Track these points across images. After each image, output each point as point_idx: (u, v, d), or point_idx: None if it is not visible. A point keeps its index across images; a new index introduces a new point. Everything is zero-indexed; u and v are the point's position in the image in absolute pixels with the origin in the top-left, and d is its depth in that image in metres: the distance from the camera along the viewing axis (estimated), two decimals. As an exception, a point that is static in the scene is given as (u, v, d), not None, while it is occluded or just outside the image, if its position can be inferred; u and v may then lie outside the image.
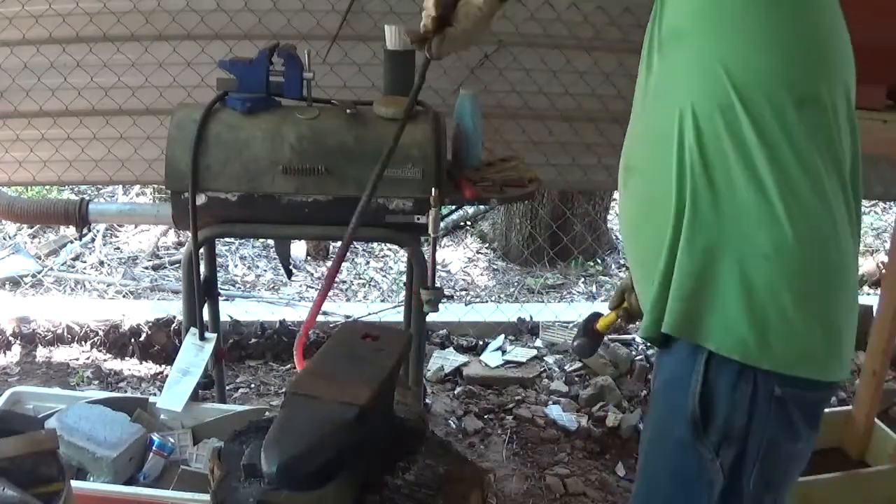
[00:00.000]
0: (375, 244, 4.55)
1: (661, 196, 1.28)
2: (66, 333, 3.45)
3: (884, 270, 3.19)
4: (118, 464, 2.17)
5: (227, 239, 4.29)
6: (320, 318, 3.61)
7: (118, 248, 4.60)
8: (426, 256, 2.30)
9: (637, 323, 1.53)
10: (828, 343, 1.25)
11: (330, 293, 4.38)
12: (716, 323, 1.24)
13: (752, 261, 1.21)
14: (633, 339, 3.57)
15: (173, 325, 3.38)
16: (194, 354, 2.39)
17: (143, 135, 3.03)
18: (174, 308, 3.51)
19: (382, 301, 4.14)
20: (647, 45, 1.35)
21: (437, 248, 2.36)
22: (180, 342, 2.46)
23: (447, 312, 3.56)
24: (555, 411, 3.13)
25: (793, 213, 1.20)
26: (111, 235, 4.71)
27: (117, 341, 3.42)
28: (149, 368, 3.33)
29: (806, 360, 1.23)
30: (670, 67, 1.28)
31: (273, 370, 3.38)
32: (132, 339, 3.40)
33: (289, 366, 3.42)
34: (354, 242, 4.65)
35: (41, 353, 3.39)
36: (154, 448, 2.24)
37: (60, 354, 3.38)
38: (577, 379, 3.35)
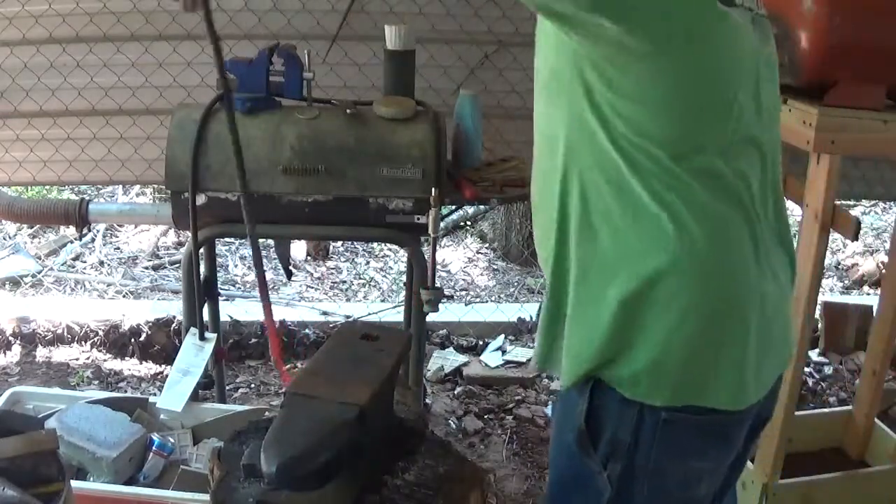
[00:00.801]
0: (375, 244, 4.55)
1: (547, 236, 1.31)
2: (66, 333, 3.45)
3: (884, 270, 3.19)
4: (118, 464, 2.17)
5: (227, 239, 4.29)
6: (320, 318, 3.62)
7: (118, 248, 4.60)
8: (426, 256, 2.30)
9: None
10: (718, 373, 1.22)
11: (330, 293, 4.38)
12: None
13: (632, 299, 1.20)
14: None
15: (173, 325, 3.38)
16: (194, 354, 2.39)
17: (143, 135, 3.03)
18: (174, 308, 3.51)
19: (382, 301, 4.14)
20: (536, 76, 1.33)
21: (437, 248, 2.36)
22: (180, 342, 2.46)
23: (447, 312, 3.56)
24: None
25: (670, 248, 1.19)
26: (111, 235, 4.71)
27: (117, 341, 3.42)
28: (149, 368, 3.33)
29: (691, 391, 1.22)
30: (553, 111, 1.27)
31: (273, 370, 3.38)
32: (132, 339, 3.40)
33: (289, 366, 3.41)
34: (354, 242, 4.66)
35: (41, 353, 3.39)
36: (154, 448, 2.24)
37: (60, 354, 3.38)
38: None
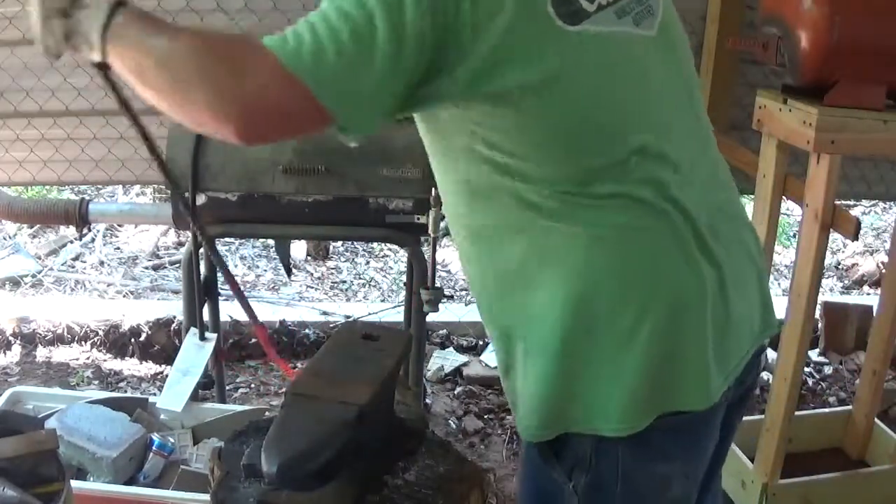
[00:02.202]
0: (375, 244, 4.55)
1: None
2: (66, 333, 3.45)
3: (884, 270, 3.19)
4: (118, 464, 2.17)
5: (227, 239, 4.29)
6: (321, 318, 3.62)
7: (118, 248, 4.60)
8: (426, 256, 2.30)
9: None
10: (676, 379, 1.18)
11: (330, 293, 4.37)
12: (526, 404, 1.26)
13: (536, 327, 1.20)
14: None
15: (173, 325, 3.38)
16: (194, 354, 2.39)
17: (144, 135, 3.02)
18: (174, 308, 3.51)
19: (382, 301, 4.14)
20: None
21: (437, 248, 2.36)
22: (180, 342, 2.46)
23: (447, 312, 3.56)
24: (555, 411, 3.12)
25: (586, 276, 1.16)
26: (111, 235, 4.71)
27: (117, 341, 3.42)
28: (149, 368, 3.33)
29: (630, 410, 1.18)
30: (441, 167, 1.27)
31: (273, 370, 3.38)
32: (132, 339, 3.40)
33: (289, 365, 3.41)
34: (354, 242, 4.66)
35: (41, 353, 3.39)
36: (154, 448, 2.24)
37: (60, 354, 3.38)
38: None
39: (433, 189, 2.18)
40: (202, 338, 2.41)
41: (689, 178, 1.19)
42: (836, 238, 4.20)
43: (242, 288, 4.16)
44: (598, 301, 1.16)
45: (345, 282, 4.38)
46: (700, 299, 1.18)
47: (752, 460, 2.38)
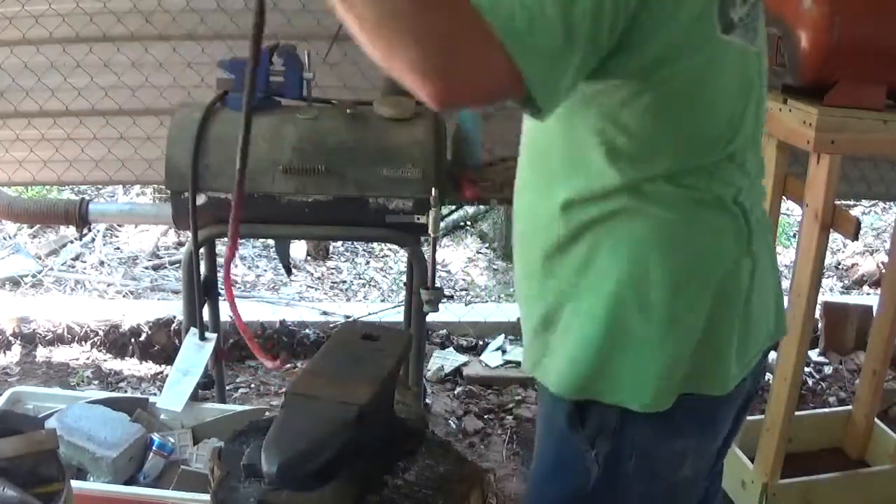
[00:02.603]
0: (375, 244, 4.55)
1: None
2: (66, 333, 3.45)
3: (884, 270, 3.19)
4: (118, 464, 2.17)
5: (227, 239, 4.28)
6: (320, 318, 3.62)
7: (118, 248, 4.60)
8: (426, 256, 2.30)
9: None
10: (705, 362, 1.25)
11: (330, 293, 4.37)
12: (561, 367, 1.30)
13: (621, 310, 1.24)
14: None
15: (173, 325, 3.38)
16: (194, 354, 2.39)
17: (143, 135, 3.03)
18: (174, 308, 3.51)
19: (382, 301, 4.14)
20: None
21: (437, 248, 2.36)
22: (180, 342, 2.46)
23: (447, 312, 3.56)
24: (555, 411, 3.12)
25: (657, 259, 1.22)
26: (111, 235, 4.71)
27: (117, 341, 3.42)
28: (149, 368, 3.33)
29: (661, 390, 1.24)
30: (542, 135, 1.30)
31: (273, 370, 3.38)
32: (132, 339, 3.40)
33: (289, 365, 3.41)
34: (354, 242, 4.66)
35: (41, 353, 3.39)
36: (154, 448, 2.24)
37: (60, 354, 3.38)
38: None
39: (433, 189, 2.18)
40: (202, 338, 2.41)
41: (754, 184, 1.31)
42: (836, 238, 4.20)
43: (243, 288, 4.18)
44: (656, 283, 1.22)
45: (345, 282, 4.39)
46: (740, 294, 1.26)
47: (752, 460, 2.38)
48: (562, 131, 1.24)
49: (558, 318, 1.29)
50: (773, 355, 2.44)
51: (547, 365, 1.32)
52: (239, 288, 4.20)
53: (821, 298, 3.18)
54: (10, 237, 4.57)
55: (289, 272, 2.88)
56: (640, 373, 1.24)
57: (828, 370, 3.46)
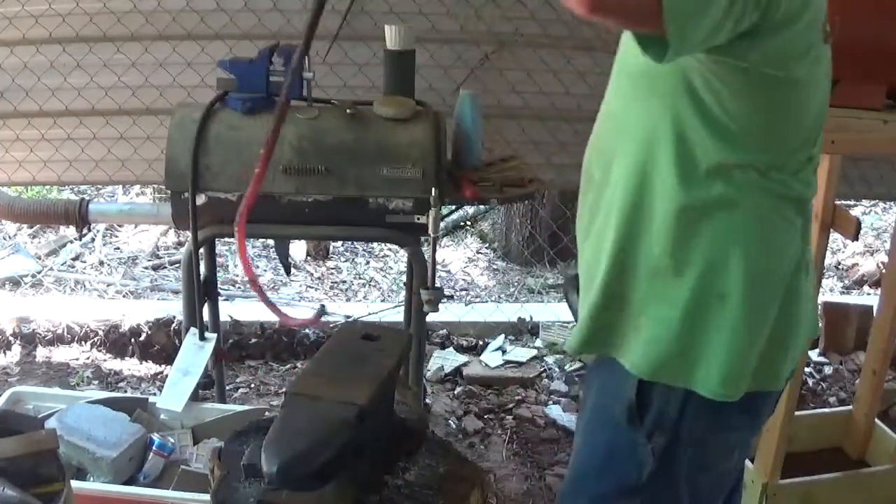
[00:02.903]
0: (375, 244, 4.55)
1: (609, 215, 1.35)
2: (66, 333, 3.44)
3: (884, 270, 3.19)
4: (118, 464, 2.17)
5: (227, 239, 4.28)
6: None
7: (118, 248, 4.60)
8: (426, 256, 2.30)
9: None
10: (769, 359, 1.32)
11: (330, 293, 4.37)
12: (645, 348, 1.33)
13: (703, 297, 1.29)
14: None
15: (173, 325, 3.38)
16: (194, 354, 2.39)
17: (143, 135, 3.03)
18: (174, 308, 3.51)
19: (382, 301, 4.14)
20: (618, 63, 1.37)
21: (437, 248, 2.36)
22: (180, 342, 2.46)
23: (447, 312, 3.56)
24: (555, 411, 3.13)
25: (742, 250, 1.27)
26: (111, 235, 4.71)
27: (117, 341, 3.42)
28: (149, 368, 3.33)
29: (731, 379, 1.29)
30: (637, 104, 1.31)
31: (273, 370, 3.38)
32: (132, 339, 3.40)
33: (289, 366, 3.41)
34: (354, 242, 4.66)
35: (41, 353, 3.39)
36: (154, 448, 2.24)
37: (60, 354, 3.38)
38: (577, 379, 3.35)
39: (433, 189, 2.18)
40: (202, 338, 2.41)
41: (815, 184, 1.38)
42: (836, 238, 4.19)
43: (243, 288, 4.18)
44: (736, 274, 1.26)
45: (345, 282, 4.39)
46: (801, 291, 1.34)
47: (751, 460, 2.38)
48: (664, 108, 1.26)
49: (635, 297, 1.33)
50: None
51: (618, 343, 1.35)
52: (239, 288, 4.20)
53: (821, 298, 3.18)
54: (10, 237, 4.57)
55: (288, 272, 2.88)
56: (713, 358, 1.27)
57: (828, 370, 3.45)
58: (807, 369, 3.35)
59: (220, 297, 2.70)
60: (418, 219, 2.25)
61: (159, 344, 3.38)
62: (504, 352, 3.49)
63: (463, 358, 3.43)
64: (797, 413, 2.38)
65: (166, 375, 2.66)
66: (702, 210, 1.26)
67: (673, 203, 1.27)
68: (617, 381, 1.37)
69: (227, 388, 2.98)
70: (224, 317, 3.10)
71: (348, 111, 2.28)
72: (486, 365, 3.40)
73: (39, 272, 4.16)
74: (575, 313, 1.58)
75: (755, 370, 1.30)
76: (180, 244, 4.55)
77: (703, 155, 1.24)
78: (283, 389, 3.16)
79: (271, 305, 1.86)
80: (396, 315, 3.55)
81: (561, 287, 4.36)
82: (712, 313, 1.28)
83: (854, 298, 4.11)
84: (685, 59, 1.18)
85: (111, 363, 3.35)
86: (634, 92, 1.31)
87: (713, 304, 1.28)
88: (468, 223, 5.11)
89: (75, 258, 4.43)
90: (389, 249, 4.66)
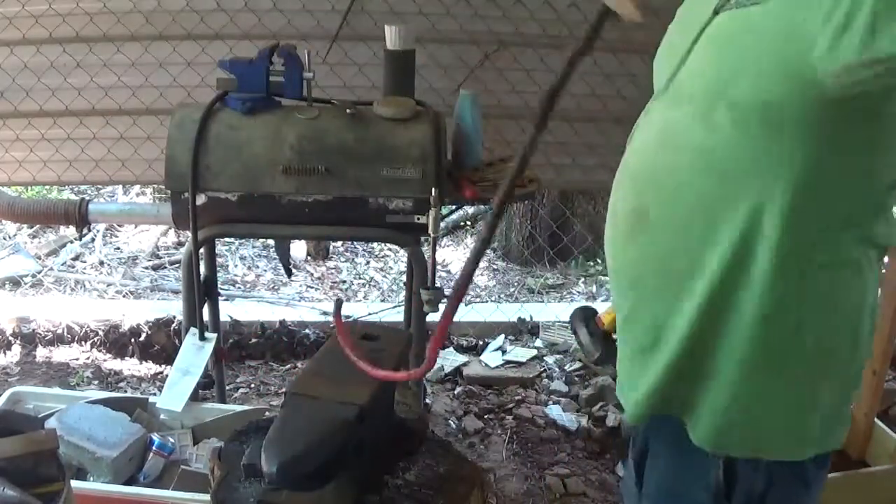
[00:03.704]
0: (375, 244, 4.55)
1: (689, 264, 1.16)
2: (66, 333, 3.45)
3: (884, 270, 3.19)
4: (118, 464, 2.17)
5: (227, 239, 4.29)
6: (320, 318, 3.62)
7: (118, 248, 4.60)
8: (426, 256, 2.30)
9: None
10: (842, 412, 1.25)
11: (329, 293, 4.36)
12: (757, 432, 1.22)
13: (820, 364, 1.18)
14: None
15: (173, 325, 3.38)
16: (194, 354, 2.39)
17: (143, 135, 3.03)
18: (174, 308, 3.51)
19: (382, 301, 4.14)
20: (708, 90, 1.12)
21: (437, 248, 2.36)
22: (180, 342, 2.46)
23: (447, 312, 3.55)
24: (555, 411, 3.13)
25: (851, 309, 1.17)
26: (111, 235, 4.71)
27: (117, 341, 3.42)
28: (149, 368, 3.33)
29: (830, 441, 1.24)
30: (750, 142, 1.09)
31: (273, 370, 3.38)
32: (132, 339, 3.40)
33: (289, 366, 3.42)
34: (354, 242, 4.66)
35: (41, 353, 3.39)
36: (154, 448, 2.24)
37: (60, 354, 3.38)
38: (577, 379, 3.35)
39: (433, 189, 2.18)
40: (202, 338, 2.41)
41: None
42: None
43: (243, 288, 4.17)
44: (845, 334, 1.17)
45: (345, 282, 4.39)
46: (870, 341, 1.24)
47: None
48: (791, 148, 1.08)
49: (723, 362, 1.18)
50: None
51: (691, 412, 1.22)
52: (239, 288, 4.20)
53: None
54: (10, 237, 4.57)
55: (289, 273, 2.88)
56: (798, 424, 1.19)
57: (828, 370, 3.46)
58: (807, 369, 3.34)
59: (220, 297, 2.70)
60: (418, 219, 2.25)
61: (159, 344, 3.38)
62: (504, 352, 3.49)
63: (463, 358, 3.44)
64: (797, 413, 2.37)
65: (166, 375, 2.66)
66: (815, 266, 1.12)
67: (787, 258, 1.11)
68: (692, 460, 1.24)
69: (227, 388, 2.98)
70: (224, 317, 3.10)
71: (348, 111, 2.28)
72: (486, 365, 3.40)
73: (39, 272, 4.16)
74: (583, 347, 1.47)
75: (831, 428, 1.23)
76: (180, 244, 4.55)
77: (828, 204, 1.09)
78: (283, 389, 3.16)
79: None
80: (396, 315, 3.55)
81: (560, 287, 4.37)
82: (817, 374, 1.17)
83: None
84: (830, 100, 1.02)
85: (111, 363, 3.35)
86: (745, 127, 1.09)
87: (819, 365, 1.17)
88: (468, 223, 5.11)
89: (75, 258, 4.43)
90: (389, 249, 4.66)
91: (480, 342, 3.57)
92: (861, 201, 1.12)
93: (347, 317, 3.61)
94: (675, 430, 1.26)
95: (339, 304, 1.45)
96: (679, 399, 1.23)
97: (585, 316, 1.51)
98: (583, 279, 4.44)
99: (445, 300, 1.51)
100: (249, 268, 4.44)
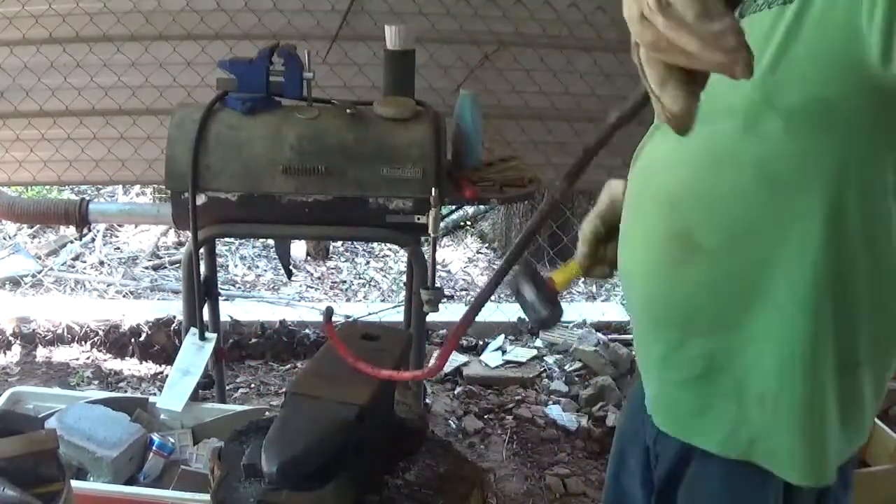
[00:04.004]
0: (375, 244, 4.55)
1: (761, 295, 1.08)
2: (66, 333, 3.45)
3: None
4: (118, 464, 2.17)
5: (227, 239, 4.29)
6: (321, 318, 3.62)
7: (118, 248, 4.60)
8: (426, 256, 2.30)
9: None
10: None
11: (330, 293, 4.36)
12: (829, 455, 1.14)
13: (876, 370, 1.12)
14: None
15: (173, 325, 3.38)
16: (194, 354, 2.39)
17: (143, 135, 3.03)
18: (174, 308, 3.51)
19: (382, 301, 4.14)
20: (753, 99, 1.04)
21: (437, 248, 2.36)
22: (180, 342, 2.46)
23: (447, 312, 3.54)
24: (555, 411, 3.13)
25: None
26: (111, 235, 4.71)
27: (117, 341, 3.42)
28: (149, 368, 3.33)
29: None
30: (808, 146, 1.02)
31: (273, 370, 3.38)
32: (132, 339, 3.40)
33: (289, 366, 3.42)
34: (354, 242, 4.66)
35: (41, 353, 3.39)
36: (154, 448, 2.24)
37: (60, 354, 3.38)
38: (577, 379, 3.35)
39: (433, 189, 2.18)
40: (202, 338, 2.41)
41: None
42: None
43: (243, 288, 4.17)
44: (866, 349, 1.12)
45: (345, 282, 4.39)
46: None
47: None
48: (836, 159, 1.02)
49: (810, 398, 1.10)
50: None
51: (765, 443, 1.14)
52: (239, 288, 4.20)
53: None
54: (10, 237, 4.57)
55: (289, 275, 2.88)
56: (859, 421, 1.15)
57: (828, 370, 3.46)
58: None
59: (220, 297, 2.70)
60: (418, 219, 2.25)
61: (159, 344, 3.38)
62: (504, 352, 3.49)
63: (463, 358, 3.44)
64: (797, 413, 2.37)
65: (166, 375, 2.66)
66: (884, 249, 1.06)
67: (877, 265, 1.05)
68: (743, 489, 1.17)
69: (227, 388, 2.98)
70: (224, 317, 3.09)
71: (348, 111, 2.28)
72: (486, 365, 3.40)
73: (39, 272, 4.16)
74: (529, 309, 1.37)
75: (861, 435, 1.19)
76: (180, 244, 4.56)
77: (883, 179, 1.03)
78: (283, 389, 3.16)
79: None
80: (396, 315, 3.55)
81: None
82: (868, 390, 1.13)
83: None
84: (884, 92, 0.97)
85: (111, 363, 3.35)
86: (798, 131, 1.02)
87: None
88: (468, 223, 5.11)
89: (75, 258, 4.43)
90: (389, 249, 4.66)
91: (480, 342, 3.57)
92: None
93: (348, 317, 3.61)
94: (729, 470, 1.19)
95: (329, 312, 1.43)
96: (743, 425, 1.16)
97: (531, 274, 1.38)
98: (583, 279, 4.44)
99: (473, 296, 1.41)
100: (249, 268, 4.44)
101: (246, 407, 2.62)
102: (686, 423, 1.21)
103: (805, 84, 1.00)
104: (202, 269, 2.48)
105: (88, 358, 3.38)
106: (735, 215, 1.08)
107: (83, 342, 3.44)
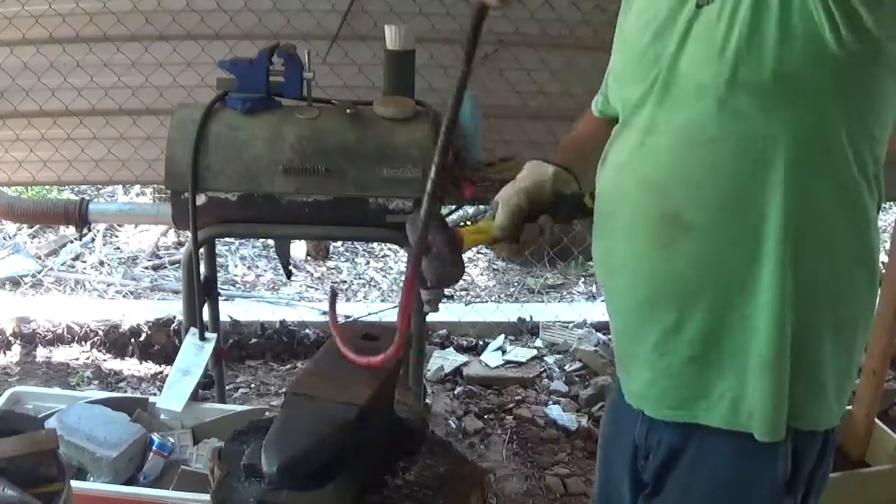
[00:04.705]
0: (375, 244, 4.55)
1: (743, 262, 1.13)
2: (66, 333, 3.45)
3: (884, 270, 3.19)
4: (118, 464, 2.17)
5: (227, 239, 4.29)
6: (320, 318, 3.62)
7: (118, 248, 4.60)
8: (426, 256, 2.30)
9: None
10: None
11: (329, 293, 4.34)
12: (819, 404, 1.22)
13: (846, 325, 1.20)
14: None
15: (173, 325, 3.38)
16: (194, 354, 2.39)
17: (143, 135, 3.03)
18: (174, 308, 3.51)
19: (382, 301, 4.14)
20: (724, 79, 1.09)
21: (437, 248, 2.35)
22: (180, 342, 2.46)
23: (447, 312, 3.56)
24: (555, 411, 3.13)
25: (869, 263, 1.20)
26: (111, 235, 4.70)
27: (117, 341, 3.42)
28: (149, 368, 3.33)
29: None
30: (766, 118, 1.09)
31: (273, 370, 3.38)
32: (132, 339, 3.40)
33: (289, 366, 3.42)
34: (354, 242, 4.65)
35: (41, 353, 3.39)
36: (154, 448, 2.24)
37: (60, 354, 3.38)
38: (577, 379, 3.35)
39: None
40: (202, 338, 2.41)
41: None
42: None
43: (243, 288, 4.17)
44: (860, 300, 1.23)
45: (345, 282, 4.38)
46: None
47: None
48: (796, 126, 1.10)
49: (819, 355, 1.18)
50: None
51: (806, 397, 1.19)
52: (239, 288, 4.20)
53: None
54: (10, 237, 4.57)
55: (289, 275, 2.88)
56: (846, 384, 1.23)
57: (828, 370, 3.45)
58: (807, 369, 3.34)
59: (220, 297, 2.70)
60: (418, 219, 2.25)
61: (159, 344, 3.38)
62: (504, 352, 3.49)
63: (463, 358, 3.44)
64: (797, 413, 2.38)
65: (166, 375, 2.66)
66: (866, 223, 1.16)
67: (850, 222, 1.14)
68: (760, 457, 1.20)
69: (227, 388, 2.98)
70: (224, 317, 3.09)
71: (348, 111, 2.28)
72: (486, 365, 3.40)
73: (39, 272, 4.16)
74: (434, 257, 1.38)
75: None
76: (180, 244, 4.55)
77: (863, 155, 1.12)
78: (283, 389, 3.16)
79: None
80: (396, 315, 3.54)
81: (560, 287, 4.37)
82: (853, 340, 1.23)
83: (854, 298, 4.10)
84: (843, 62, 1.04)
85: (111, 363, 3.35)
86: (767, 104, 1.08)
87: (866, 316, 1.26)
88: (468, 223, 5.10)
89: (75, 258, 4.42)
90: (389, 249, 4.65)
91: (480, 342, 3.57)
92: (866, 141, 1.13)
93: (348, 317, 3.61)
94: (721, 440, 1.23)
95: (334, 294, 1.44)
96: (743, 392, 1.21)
97: (441, 220, 1.39)
98: (583, 279, 4.44)
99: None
100: (249, 268, 4.43)
101: (246, 407, 2.62)
102: (686, 404, 1.23)
103: (772, 61, 1.05)
104: (202, 269, 2.48)
105: (88, 358, 3.37)
106: (721, 189, 1.12)
107: (83, 342, 3.44)
